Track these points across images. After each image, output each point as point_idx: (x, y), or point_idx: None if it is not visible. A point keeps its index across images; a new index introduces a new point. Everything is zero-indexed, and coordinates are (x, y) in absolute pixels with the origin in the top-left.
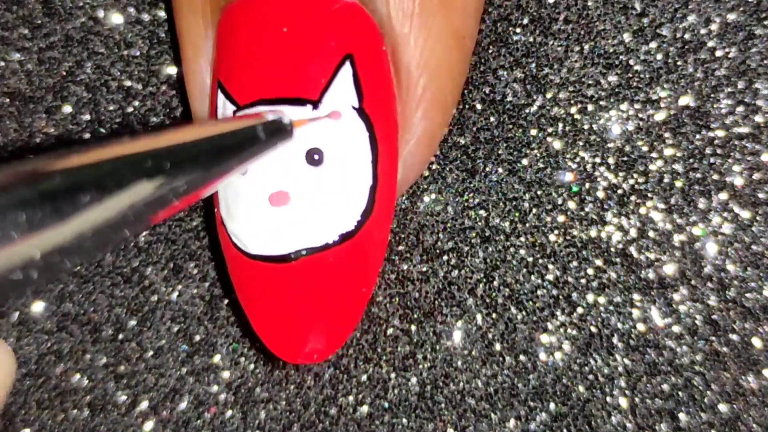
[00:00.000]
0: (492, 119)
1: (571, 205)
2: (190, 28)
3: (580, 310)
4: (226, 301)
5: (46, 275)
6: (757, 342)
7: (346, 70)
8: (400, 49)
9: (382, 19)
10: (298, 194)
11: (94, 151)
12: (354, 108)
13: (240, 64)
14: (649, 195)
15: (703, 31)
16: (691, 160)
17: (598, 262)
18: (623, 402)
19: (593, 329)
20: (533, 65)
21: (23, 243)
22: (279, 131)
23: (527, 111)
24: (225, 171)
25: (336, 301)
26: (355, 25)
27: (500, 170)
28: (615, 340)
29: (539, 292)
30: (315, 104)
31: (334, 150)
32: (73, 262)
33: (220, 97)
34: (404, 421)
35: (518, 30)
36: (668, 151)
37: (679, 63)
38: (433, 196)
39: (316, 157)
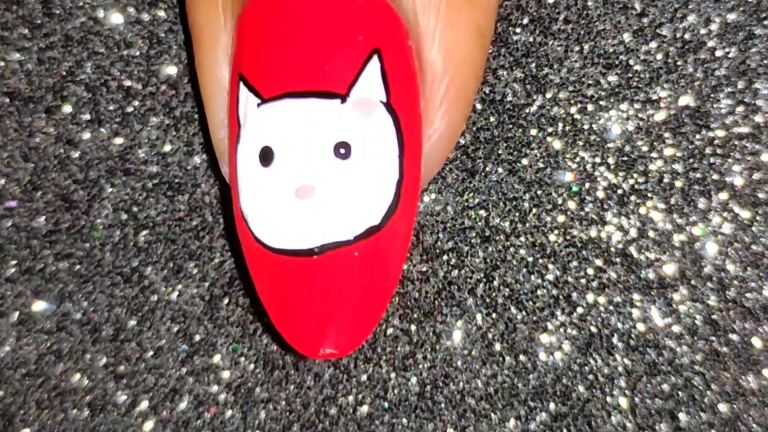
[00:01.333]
0: (492, 119)
1: (571, 205)
2: (208, 19)
3: (580, 310)
4: (226, 301)
5: None
6: (757, 342)
7: (374, 64)
8: (425, 44)
9: (408, 14)
10: (325, 187)
11: None
12: (382, 102)
13: (266, 57)
14: (649, 195)
15: (703, 31)
16: (691, 160)
17: (598, 262)
18: (623, 402)
19: (593, 329)
20: (533, 65)
21: None
22: None
23: (527, 111)
24: None
25: (360, 295)
26: (382, 20)
27: (500, 170)
28: (615, 340)
29: (539, 292)
30: (343, 98)
31: (362, 144)
32: None
33: (243, 90)
34: (404, 421)
35: (518, 30)
36: (668, 151)
37: (679, 63)
38: (433, 196)
39: (344, 150)
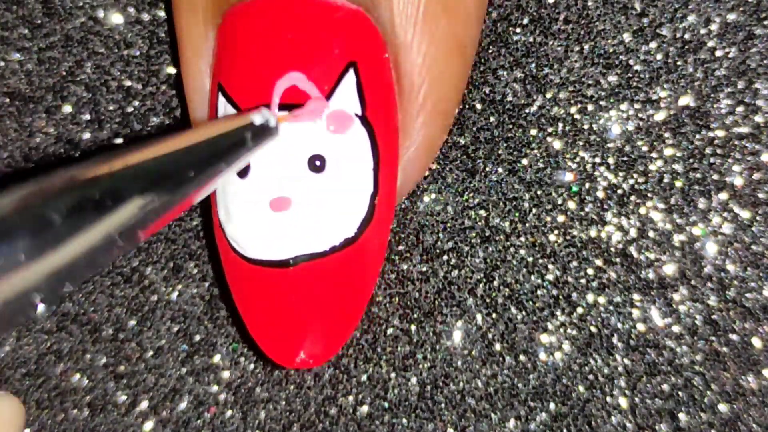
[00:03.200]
0: (492, 119)
1: (571, 205)
2: (190, 29)
3: (580, 310)
4: (226, 301)
5: (49, 299)
6: (757, 342)
7: (350, 77)
8: (403, 56)
9: (385, 26)
10: (300, 200)
11: (83, 169)
12: (357, 115)
13: (243, 68)
14: (649, 195)
15: (703, 31)
16: (691, 160)
17: (598, 262)
18: (623, 402)
19: (593, 329)
20: (533, 65)
21: (29, 268)
22: (265, 132)
23: (527, 111)
24: (214, 176)
25: (334, 306)
26: (359, 33)
27: (500, 170)
28: (615, 340)
29: (539, 292)
30: None
31: (336, 157)
32: (71, 285)
33: (221, 99)
34: (404, 421)
35: (518, 30)
36: (668, 151)
37: (679, 63)
38: (433, 196)
39: (318, 163)
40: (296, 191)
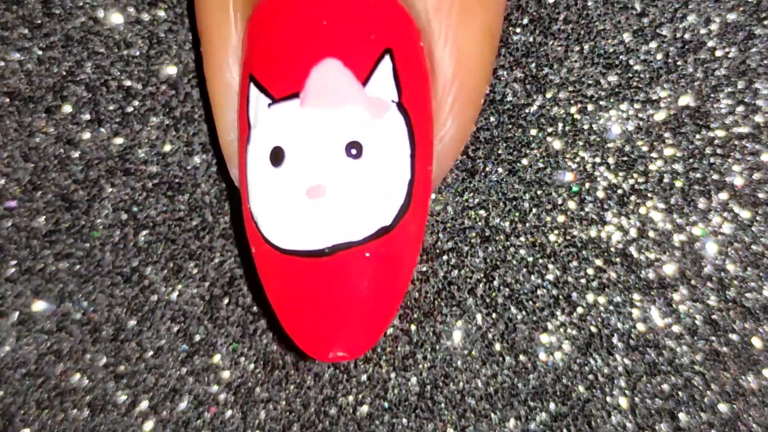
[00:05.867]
0: (492, 119)
1: (571, 205)
2: (218, 21)
3: (580, 310)
4: (226, 301)
5: None
6: (757, 342)
7: (386, 63)
8: (437, 45)
9: (420, 15)
10: (336, 187)
11: None
12: (394, 102)
13: (276, 57)
14: (649, 195)
15: (703, 31)
16: (691, 160)
17: (598, 262)
18: (623, 402)
19: (593, 329)
20: (533, 65)
21: None
22: None
23: (527, 111)
24: None
25: (371, 297)
26: (394, 20)
27: (500, 170)
28: (615, 340)
29: (539, 292)
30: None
31: (374, 143)
32: None
33: (253, 90)
34: (404, 421)
35: (518, 30)
36: (668, 151)
37: (679, 63)
38: (433, 196)
39: (355, 150)
40: (333, 178)
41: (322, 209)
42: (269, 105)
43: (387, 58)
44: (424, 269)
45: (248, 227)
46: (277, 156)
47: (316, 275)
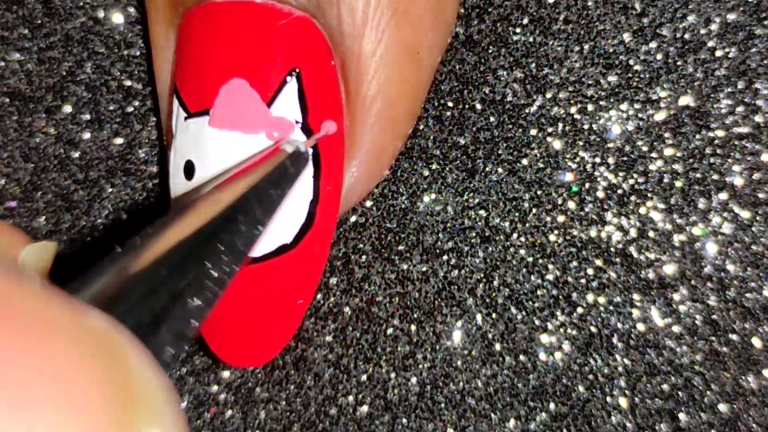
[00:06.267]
0: (492, 119)
1: (571, 205)
2: (156, 31)
3: (580, 310)
4: None
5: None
6: (757, 342)
7: (292, 85)
8: (349, 62)
9: (332, 33)
10: None
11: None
12: (298, 123)
13: (192, 72)
14: (649, 195)
15: (703, 31)
16: (691, 160)
17: (598, 262)
18: (623, 402)
19: (593, 329)
20: (533, 65)
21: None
22: (299, 159)
23: (527, 111)
24: (272, 213)
25: (271, 311)
26: (304, 40)
27: (500, 170)
28: (615, 340)
29: (539, 292)
30: None
31: None
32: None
33: (175, 102)
34: (404, 421)
35: (518, 30)
36: (668, 151)
37: (679, 63)
38: (433, 196)
39: None
40: None
41: None
42: (185, 118)
43: (293, 79)
44: (424, 269)
45: None
46: (189, 170)
47: None
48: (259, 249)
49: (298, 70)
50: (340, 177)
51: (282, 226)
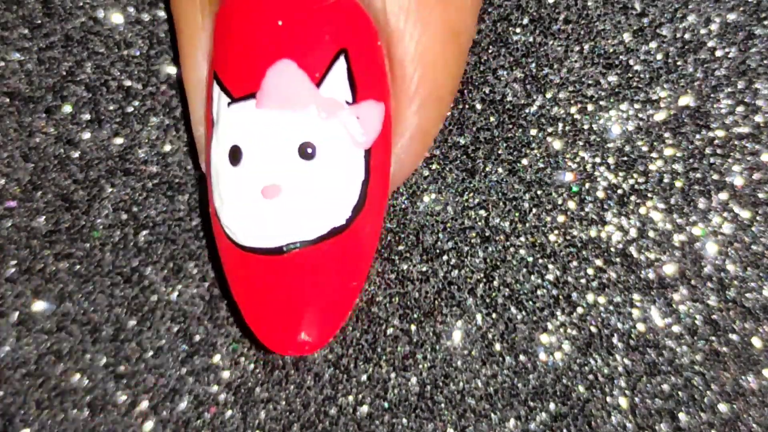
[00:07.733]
0: (492, 119)
1: (571, 205)
2: (187, 18)
3: (580, 310)
4: (226, 301)
5: None
6: (757, 342)
7: (340, 64)
8: (395, 43)
9: (378, 14)
10: (290, 188)
11: None
12: (347, 102)
13: (235, 56)
14: (649, 195)
15: (703, 31)
16: (691, 160)
17: (598, 262)
18: (623, 402)
19: (593, 329)
20: (533, 65)
21: None
22: None
23: (527, 111)
24: None
25: (326, 294)
26: (350, 20)
27: (500, 170)
28: (615, 340)
29: (539, 292)
30: None
31: (327, 144)
32: None
33: (216, 88)
34: (404, 421)
35: (518, 30)
36: (668, 151)
37: (679, 63)
38: (433, 196)
39: (309, 150)
40: (287, 179)
41: (277, 209)
42: (228, 104)
43: (342, 59)
44: (424, 269)
45: (213, 223)
46: (235, 155)
47: (274, 272)
48: (312, 231)
49: (346, 50)
50: (388, 157)
51: (334, 207)
